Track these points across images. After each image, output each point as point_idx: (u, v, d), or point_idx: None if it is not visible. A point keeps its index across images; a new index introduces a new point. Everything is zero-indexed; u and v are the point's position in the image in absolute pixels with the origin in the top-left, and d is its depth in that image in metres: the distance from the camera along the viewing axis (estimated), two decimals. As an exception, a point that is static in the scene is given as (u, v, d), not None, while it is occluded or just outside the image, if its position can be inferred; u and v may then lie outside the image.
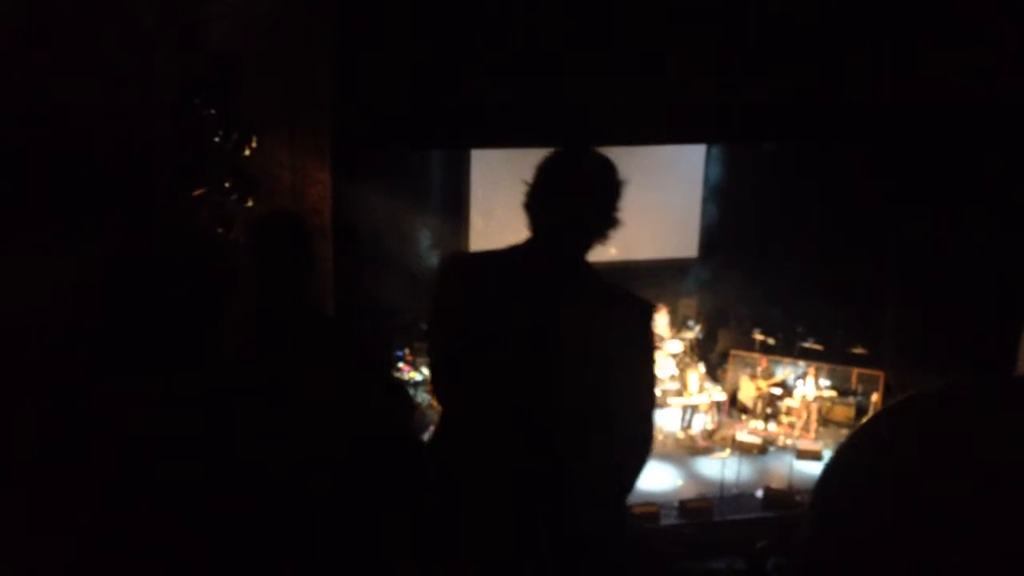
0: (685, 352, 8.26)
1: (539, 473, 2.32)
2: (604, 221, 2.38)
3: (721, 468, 6.82)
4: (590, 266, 2.40)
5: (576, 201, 2.37)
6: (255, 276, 2.68)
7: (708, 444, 7.49)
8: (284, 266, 2.74)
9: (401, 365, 7.37)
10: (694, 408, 7.69)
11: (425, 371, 7.37)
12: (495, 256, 2.52)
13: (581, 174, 2.41)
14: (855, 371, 7.79)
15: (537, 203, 2.35)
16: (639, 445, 2.44)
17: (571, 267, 2.39)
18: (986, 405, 0.60)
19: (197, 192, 4.40)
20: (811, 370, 7.76)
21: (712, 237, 8.44)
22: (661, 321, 8.44)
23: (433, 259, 7.68)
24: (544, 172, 2.35)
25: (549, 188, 2.35)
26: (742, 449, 7.21)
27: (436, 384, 2.67)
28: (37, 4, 4.08)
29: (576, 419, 2.32)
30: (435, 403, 7.06)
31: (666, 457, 7.22)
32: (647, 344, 2.46)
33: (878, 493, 0.57)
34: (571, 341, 2.31)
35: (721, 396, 7.84)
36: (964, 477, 0.54)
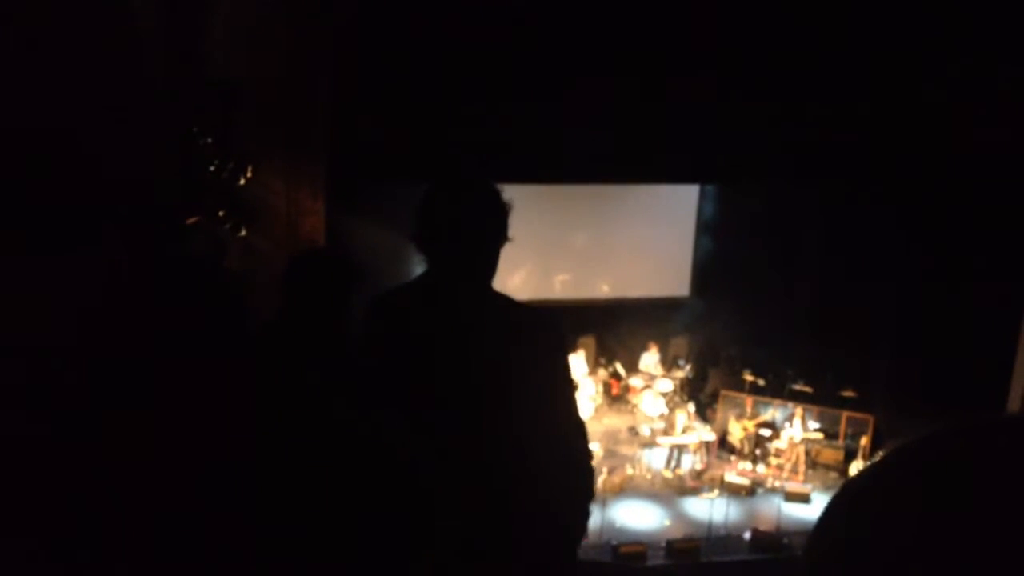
0: (675, 391, 8.25)
1: (476, 519, 2.29)
2: (493, 238, 2.37)
3: (709, 508, 6.78)
4: (491, 291, 2.39)
5: (466, 232, 2.36)
6: (289, 309, 2.68)
7: (696, 484, 7.45)
8: (323, 306, 2.74)
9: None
10: (682, 448, 7.66)
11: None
12: (406, 290, 2.52)
13: (466, 203, 2.39)
14: (844, 414, 7.79)
15: (424, 235, 2.35)
16: (576, 467, 2.40)
17: (474, 292, 2.38)
18: (994, 446, 0.60)
19: (192, 220, 4.40)
20: (799, 412, 7.75)
21: (704, 276, 8.46)
22: (652, 359, 8.44)
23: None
24: (429, 205, 2.35)
25: (436, 221, 2.34)
26: (730, 490, 7.18)
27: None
28: (35, 30, 4.10)
29: (504, 446, 2.30)
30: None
31: (654, 497, 7.18)
32: (556, 363, 2.42)
33: (887, 535, 0.57)
34: (478, 367, 2.29)
35: (710, 436, 7.82)
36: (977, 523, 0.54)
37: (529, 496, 2.32)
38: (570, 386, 2.47)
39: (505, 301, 2.41)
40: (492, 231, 2.36)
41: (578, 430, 2.42)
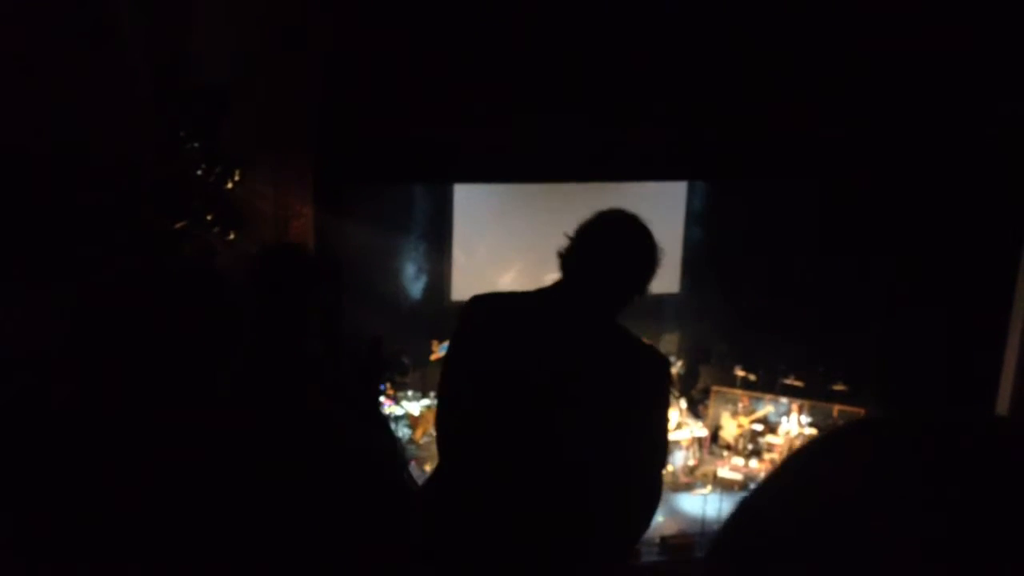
0: (667, 388, 8.25)
1: (540, 527, 2.29)
2: (635, 288, 2.39)
3: (703, 504, 6.80)
4: (614, 319, 2.40)
5: (615, 270, 2.38)
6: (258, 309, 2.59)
7: (690, 480, 7.47)
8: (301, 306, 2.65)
9: (382, 399, 7.34)
10: (675, 444, 7.67)
11: (407, 405, 7.33)
12: (519, 299, 2.51)
13: (626, 245, 2.41)
14: (836, 408, 7.80)
15: (575, 259, 2.36)
16: (647, 501, 2.41)
17: (594, 318, 2.38)
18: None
19: (179, 225, 4.39)
20: (794, 407, 7.77)
21: (694, 273, 8.47)
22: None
23: (415, 293, 7.68)
24: (589, 234, 2.37)
25: (591, 250, 2.36)
26: (724, 486, 7.19)
27: (441, 426, 2.61)
28: (19, 38, 4.09)
29: (584, 473, 2.29)
30: (418, 439, 7.03)
31: (648, 493, 7.18)
32: (662, 401, 2.44)
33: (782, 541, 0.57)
34: (586, 393, 2.29)
35: (703, 432, 7.84)
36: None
37: (599, 511, 2.33)
38: (665, 422, 2.49)
39: (619, 330, 2.42)
40: (643, 280, 2.39)
41: (660, 463, 2.44)
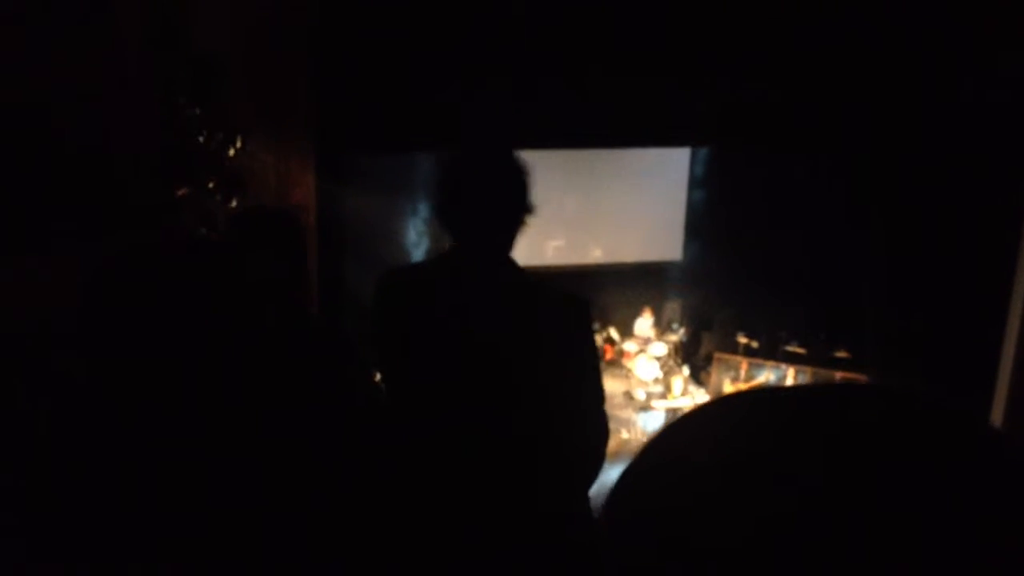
0: (669, 355, 8.27)
1: (495, 481, 2.31)
2: (516, 211, 2.36)
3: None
4: (516, 267, 2.39)
5: (482, 199, 2.35)
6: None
7: (692, 447, 7.48)
8: (280, 268, 2.69)
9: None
10: (678, 411, 7.70)
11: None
12: (423, 268, 2.53)
13: (479, 171, 2.38)
14: (838, 375, 7.82)
15: (445, 209, 2.34)
16: (596, 437, 2.43)
17: (496, 269, 2.37)
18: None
19: (181, 192, 4.38)
20: (791, 372, 7.79)
21: (697, 239, 8.46)
22: (646, 323, 8.45)
23: (417, 260, 7.68)
24: (445, 177, 2.34)
25: (453, 192, 2.34)
26: (725, 452, 7.21)
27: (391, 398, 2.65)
28: (13, 5, 4.06)
29: (524, 424, 2.31)
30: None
31: (650, 460, 7.21)
32: (585, 339, 2.44)
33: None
34: (505, 346, 2.30)
35: (705, 399, 7.86)
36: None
37: (547, 459, 2.34)
38: (594, 358, 2.49)
39: (525, 275, 2.42)
40: (513, 202, 2.36)
41: (598, 400, 2.45)
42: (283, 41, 4.96)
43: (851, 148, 6.85)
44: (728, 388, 7.95)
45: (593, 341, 2.49)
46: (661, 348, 8.20)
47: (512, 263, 2.35)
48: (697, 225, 8.50)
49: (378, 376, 2.70)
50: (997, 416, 6.31)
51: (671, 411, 7.65)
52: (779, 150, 7.18)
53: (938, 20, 5.76)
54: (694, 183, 8.47)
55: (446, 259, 2.40)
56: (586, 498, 2.58)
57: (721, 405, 0.64)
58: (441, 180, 2.33)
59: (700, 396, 7.82)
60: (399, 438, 2.38)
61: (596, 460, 2.46)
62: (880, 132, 6.53)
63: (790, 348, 7.94)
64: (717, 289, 8.20)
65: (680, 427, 0.63)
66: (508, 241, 2.33)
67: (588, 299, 2.46)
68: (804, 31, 5.86)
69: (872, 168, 6.96)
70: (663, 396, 7.76)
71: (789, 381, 7.73)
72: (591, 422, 2.41)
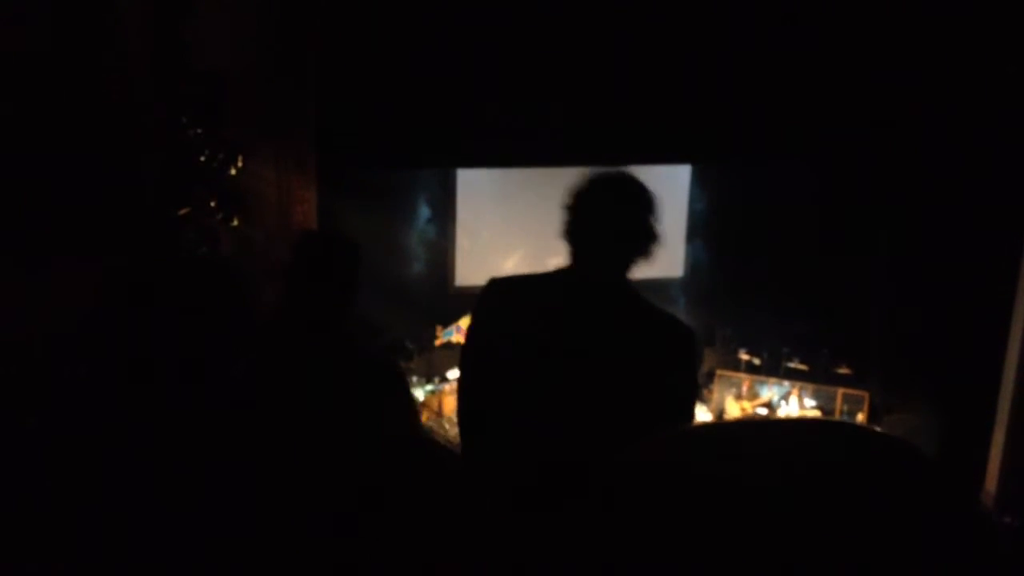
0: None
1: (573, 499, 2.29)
2: (641, 238, 2.37)
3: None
4: (632, 289, 2.39)
5: (608, 221, 2.36)
6: (293, 292, 2.62)
7: (694, 464, 7.45)
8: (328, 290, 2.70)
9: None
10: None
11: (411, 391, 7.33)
12: (535, 280, 2.52)
13: (611, 194, 2.40)
14: (840, 391, 7.80)
15: (572, 228, 2.35)
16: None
17: (610, 291, 2.37)
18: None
19: (182, 211, 4.39)
20: (795, 390, 7.77)
21: (698, 256, 8.46)
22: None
23: (418, 278, 7.68)
24: (576, 197, 2.36)
25: (581, 212, 2.34)
26: (728, 469, 7.18)
27: (465, 408, 2.61)
28: (19, 22, 4.08)
29: (615, 444, 2.29)
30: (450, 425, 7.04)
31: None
32: (687, 369, 2.43)
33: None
34: (610, 367, 2.28)
35: (707, 416, 7.84)
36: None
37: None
38: (689, 392, 2.47)
39: (640, 301, 2.41)
40: (639, 229, 2.37)
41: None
42: (284, 59, 4.98)
43: (854, 165, 6.86)
44: (730, 405, 7.93)
45: (693, 375, 2.46)
46: (663, 365, 8.19)
47: (627, 286, 2.36)
48: (698, 242, 8.51)
49: (457, 376, 2.68)
50: (999, 435, 6.29)
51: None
52: (779, 165, 7.20)
53: (939, 28, 5.78)
54: (695, 200, 8.48)
55: (561, 274, 2.40)
56: None
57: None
58: (574, 197, 2.35)
59: (702, 413, 7.80)
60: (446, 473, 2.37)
61: None
62: (883, 149, 6.53)
63: (792, 365, 7.92)
64: (719, 306, 8.20)
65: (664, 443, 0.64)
66: (625, 265, 2.34)
67: (692, 330, 2.46)
68: (804, 41, 5.88)
69: (875, 185, 6.97)
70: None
71: (792, 398, 7.71)
72: None
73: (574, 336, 2.28)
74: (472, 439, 2.51)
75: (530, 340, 2.33)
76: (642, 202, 2.37)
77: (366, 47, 5.35)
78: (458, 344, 6.77)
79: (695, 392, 2.48)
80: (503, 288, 2.52)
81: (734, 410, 7.87)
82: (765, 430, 0.62)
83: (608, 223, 2.34)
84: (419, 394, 7.28)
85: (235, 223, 4.54)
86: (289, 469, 1.55)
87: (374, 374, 2.69)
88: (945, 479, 0.56)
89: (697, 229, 8.49)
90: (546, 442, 2.27)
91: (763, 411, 7.79)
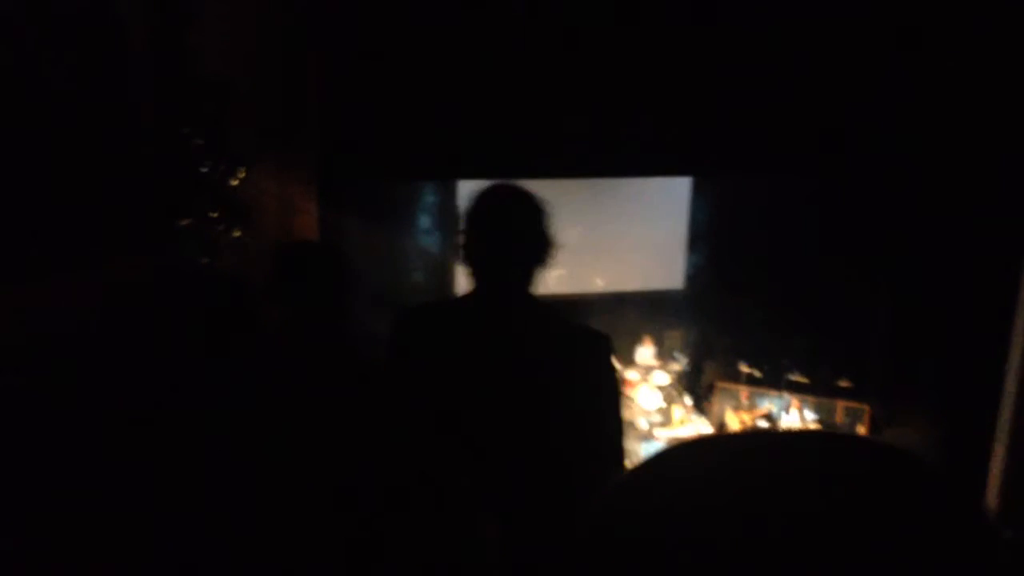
0: (672, 384, 8.25)
1: (514, 520, 2.30)
2: (536, 248, 2.38)
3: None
4: (540, 304, 2.39)
5: (499, 236, 2.36)
6: (284, 304, 2.62)
7: (694, 477, 7.43)
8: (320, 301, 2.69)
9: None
10: (681, 440, 7.65)
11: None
12: (446, 306, 2.53)
13: (495, 209, 2.40)
14: (840, 404, 7.80)
15: (467, 248, 2.35)
16: (613, 473, 2.42)
17: (519, 308, 2.38)
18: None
19: (184, 222, 4.39)
20: (795, 402, 7.76)
21: (698, 268, 8.47)
22: (647, 352, 8.43)
23: (419, 289, 7.67)
24: (465, 217, 2.36)
25: (473, 230, 2.35)
26: (728, 482, 7.16)
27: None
28: (21, 30, 4.08)
29: (545, 461, 2.30)
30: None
31: (652, 489, 7.17)
32: (608, 377, 2.45)
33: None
34: (529, 384, 2.30)
35: (707, 428, 7.83)
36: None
37: (563, 496, 2.33)
38: (614, 394, 2.49)
39: (549, 312, 2.43)
40: (531, 239, 2.37)
41: (617, 437, 2.45)
42: (287, 70, 4.99)
43: (854, 178, 6.87)
44: (730, 417, 7.92)
45: (614, 377, 2.48)
46: (663, 377, 8.18)
47: (533, 300, 2.36)
48: (698, 254, 8.51)
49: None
50: (999, 449, 6.28)
51: (673, 440, 7.61)
52: (779, 178, 7.20)
53: (940, 42, 5.80)
54: (695, 212, 8.49)
55: (467, 298, 2.40)
56: None
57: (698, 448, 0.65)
58: (465, 219, 2.35)
59: (702, 425, 7.79)
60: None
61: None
62: (884, 160, 6.54)
63: (793, 377, 7.91)
64: (719, 318, 8.19)
65: (658, 463, 0.64)
66: (527, 278, 2.34)
67: (608, 335, 2.47)
68: (803, 53, 5.90)
69: (876, 198, 6.98)
70: (665, 425, 7.73)
71: (793, 410, 7.70)
72: (613, 458, 2.40)
73: (491, 360, 2.28)
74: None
75: (449, 369, 2.33)
76: (528, 208, 2.37)
77: (369, 58, 5.37)
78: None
79: (618, 396, 2.50)
80: (415, 319, 2.52)
81: (734, 422, 7.86)
82: (760, 452, 0.61)
83: (499, 234, 2.34)
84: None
85: (236, 234, 4.54)
86: (285, 473, 1.55)
87: (363, 379, 2.69)
88: (950, 489, 0.56)
89: (697, 240, 8.50)
90: (486, 468, 2.27)
91: (763, 423, 7.78)
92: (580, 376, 2.31)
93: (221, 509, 1.42)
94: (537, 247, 2.35)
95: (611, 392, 2.43)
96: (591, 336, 2.41)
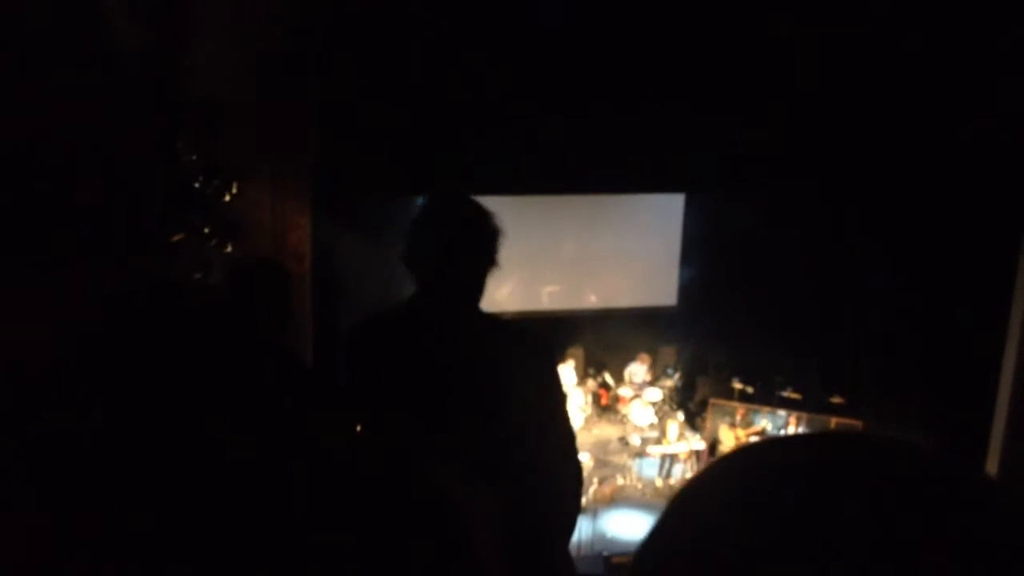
0: (665, 400, 8.25)
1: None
2: (480, 265, 2.38)
3: (700, 518, 6.77)
4: (480, 312, 2.40)
5: (451, 248, 2.37)
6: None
7: (687, 493, 7.43)
8: (263, 315, 2.71)
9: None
10: (673, 457, 7.66)
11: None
12: (390, 317, 2.52)
13: (451, 221, 2.41)
14: (833, 420, 7.80)
15: (414, 256, 2.36)
16: (568, 483, 2.42)
17: (462, 312, 2.39)
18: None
19: (176, 237, 4.39)
20: (793, 419, 7.77)
21: (691, 285, 8.49)
22: (641, 369, 8.44)
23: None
24: (416, 225, 2.37)
25: (423, 240, 2.36)
26: (721, 498, 7.16)
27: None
28: (20, 47, 4.09)
29: (496, 470, 2.30)
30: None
31: (646, 506, 7.17)
32: (551, 381, 2.45)
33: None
34: (474, 391, 2.30)
35: (700, 445, 7.82)
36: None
37: (522, 501, 2.32)
38: (560, 396, 2.49)
39: (493, 320, 2.43)
40: (480, 254, 2.37)
41: (568, 438, 2.44)
42: (283, 87, 5.00)
43: (847, 195, 6.90)
44: (724, 433, 7.92)
45: (558, 383, 2.49)
46: (656, 393, 8.18)
47: (476, 308, 2.37)
48: (692, 271, 8.53)
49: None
50: (992, 464, 6.29)
51: (666, 456, 7.61)
52: (774, 195, 7.23)
53: (940, 53, 5.83)
54: (689, 230, 8.51)
55: (411, 308, 2.41)
56: (566, 548, 2.55)
57: (731, 465, 0.64)
58: (410, 230, 2.36)
59: (695, 442, 7.79)
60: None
61: (573, 503, 2.44)
62: (877, 178, 6.57)
63: (785, 394, 7.93)
64: (712, 335, 8.21)
65: (694, 493, 0.63)
66: (474, 286, 2.35)
67: (548, 341, 2.49)
68: (800, 73, 5.92)
69: (868, 216, 7.00)
70: (658, 441, 7.73)
71: (791, 428, 7.71)
72: (564, 465, 2.40)
73: (437, 368, 2.30)
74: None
75: (398, 382, 2.35)
76: (472, 216, 2.38)
77: (365, 75, 5.38)
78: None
79: (563, 395, 2.51)
80: (362, 333, 2.53)
81: (728, 438, 7.86)
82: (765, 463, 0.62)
83: (442, 241, 2.36)
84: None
85: (229, 249, 4.54)
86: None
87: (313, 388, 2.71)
88: (948, 469, 0.57)
89: (691, 258, 8.52)
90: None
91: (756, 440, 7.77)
92: (525, 377, 2.32)
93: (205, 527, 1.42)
94: (479, 254, 2.36)
95: (556, 391, 2.44)
96: (526, 338, 2.42)
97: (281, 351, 2.73)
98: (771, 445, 0.63)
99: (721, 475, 0.64)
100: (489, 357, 2.37)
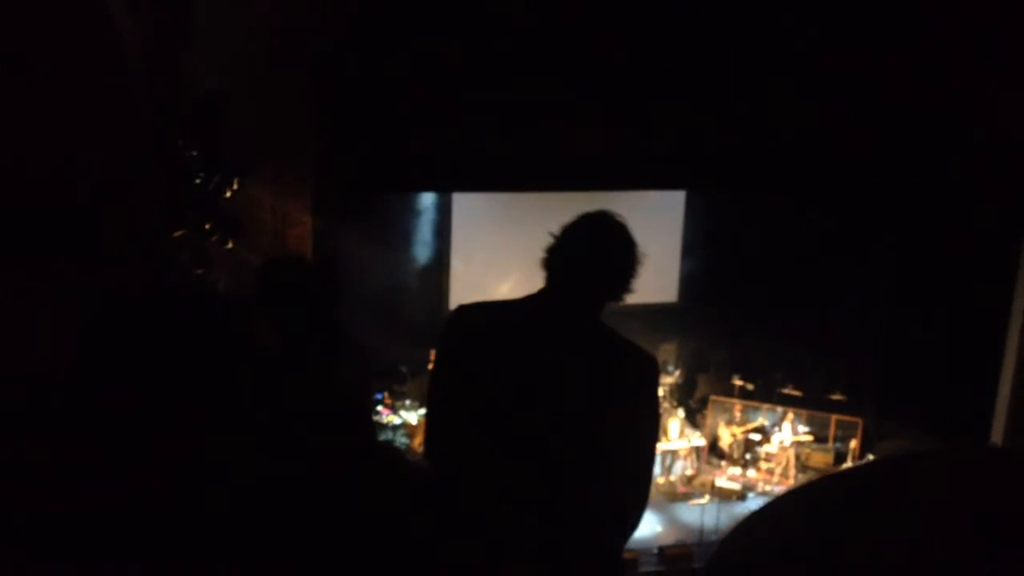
0: (665, 398, 8.25)
1: (539, 524, 2.30)
2: (617, 285, 2.41)
3: (700, 514, 6.78)
4: (598, 320, 2.42)
5: (594, 265, 2.40)
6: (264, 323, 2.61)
7: (687, 490, 7.46)
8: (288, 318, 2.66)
9: (380, 408, 7.34)
10: (674, 454, 7.66)
11: (404, 415, 7.32)
12: (504, 307, 2.53)
13: (602, 239, 2.44)
14: (833, 417, 7.80)
15: (555, 261, 2.38)
16: (637, 496, 2.42)
17: (579, 321, 2.40)
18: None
19: (177, 234, 4.39)
20: (789, 416, 7.77)
21: (692, 282, 8.47)
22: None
23: (413, 302, 7.67)
24: (567, 233, 2.39)
25: (570, 249, 2.38)
26: (721, 495, 7.18)
27: (432, 436, 2.61)
28: (18, 43, 4.09)
29: (576, 471, 2.31)
30: (416, 448, 7.02)
31: (646, 503, 7.17)
32: (649, 397, 2.45)
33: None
34: (573, 394, 2.31)
35: (700, 442, 7.83)
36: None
37: (586, 516, 2.33)
38: (655, 421, 2.50)
39: (610, 331, 2.44)
40: (622, 283, 2.41)
41: (648, 463, 2.45)
42: (284, 84, 5.00)
43: (848, 191, 6.89)
44: (724, 430, 7.92)
45: (655, 400, 2.48)
46: (657, 390, 8.18)
47: (594, 317, 2.39)
48: (693, 268, 8.52)
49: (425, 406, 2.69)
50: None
51: (667, 453, 7.61)
52: (773, 193, 7.23)
53: (939, 64, 5.83)
54: (690, 226, 8.50)
55: (532, 302, 2.42)
56: (619, 555, 2.56)
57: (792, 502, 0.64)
58: (563, 232, 2.39)
59: (695, 438, 7.79)
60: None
61: (636, 515, 2.43)
62: (880, 176, 6.57)
63: (786, 391, 7.92)
64: (712, 332, 8.20)
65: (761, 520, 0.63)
66: (596, 302, 2.38)
67: (655, 358, 2.48)
68: (802, 75, 5.93)
69: (870, 213, 7.00)
70: (659, 439, 7.74)
71: (787, 424, 7.71)
72: (639, 478, 2.40)
73: (542, 366, 2.30)
74: (439, 460, 2.51)
75: (499, 371, 2.35)
76: (627, 252, 2.40)
77: (365, 73, 5.38)
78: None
79: (656, 419, 2.51)
80: (472, 317, 2.52)
81: (726, 435, 7.86)
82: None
83: (590, 265, 2.38)
84: (412, 418, 7.26)
85: (230, 246, 4.54)
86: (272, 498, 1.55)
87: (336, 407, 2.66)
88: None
89: (691, 254, 8.50)
90: (518, 472, 2.28)
91: (756, 436, 7.78)
92: (622, 393, 2.32)
93: (209, 534, 1.42)
94: (617, 286, 2.39)
95: (645, 414, 2.42)
96: (637, 357, 2.42)
97: (283, 353, 2.69)
98: (888, 464, 0.62)
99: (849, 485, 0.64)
100: (588, 362, 2.38)
